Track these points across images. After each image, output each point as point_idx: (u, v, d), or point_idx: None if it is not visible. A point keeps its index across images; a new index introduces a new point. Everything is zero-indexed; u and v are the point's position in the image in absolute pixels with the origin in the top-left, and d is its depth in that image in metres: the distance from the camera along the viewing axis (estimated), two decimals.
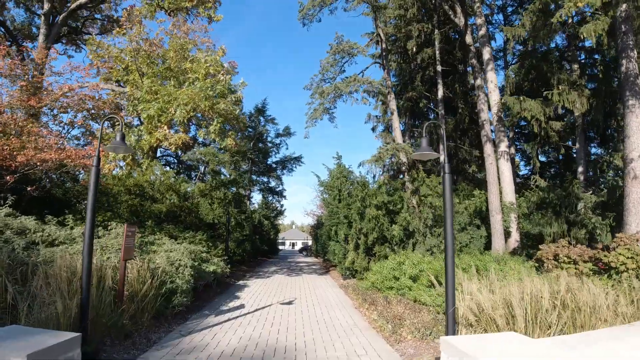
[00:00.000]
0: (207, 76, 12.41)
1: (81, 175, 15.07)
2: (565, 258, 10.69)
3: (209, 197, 19.64)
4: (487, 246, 14.82)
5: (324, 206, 19.05)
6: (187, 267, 8.85)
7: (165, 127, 11.31)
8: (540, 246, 12.29)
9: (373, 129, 30.64)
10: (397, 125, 17.57)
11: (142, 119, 11.72)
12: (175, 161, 38.20)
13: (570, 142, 21.10)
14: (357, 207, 12.88)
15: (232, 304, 9.82)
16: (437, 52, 21.85)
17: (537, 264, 11.47)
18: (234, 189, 20.37)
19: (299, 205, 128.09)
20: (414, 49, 23.54)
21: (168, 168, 35.10)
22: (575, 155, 19.15)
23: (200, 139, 12.04)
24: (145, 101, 11.52)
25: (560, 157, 21.40)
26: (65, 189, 13.64)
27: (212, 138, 11.50)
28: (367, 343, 6.49)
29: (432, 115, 26.96)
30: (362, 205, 13.04)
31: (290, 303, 10.17)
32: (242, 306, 9.58)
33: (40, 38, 18.85)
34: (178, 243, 11.42)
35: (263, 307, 9.47)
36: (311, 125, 15.94)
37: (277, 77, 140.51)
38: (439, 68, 22.07)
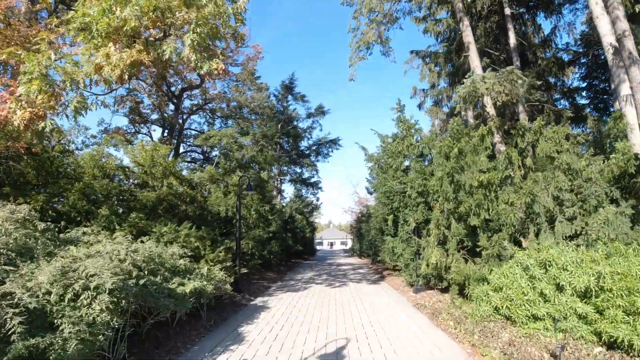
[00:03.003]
0: None
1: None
2: None
3: (222, 184, 14.99)
4: None
5: (377, 186, 13.81)
6: (104, 292, 3.90)
7: (111, 45, 6.53)
8: None
9: (420, 106, 24.84)
10: (477, 64, 12.01)
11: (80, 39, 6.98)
12: (202, 157, 34.14)
13: None
14: (452, 169, 7.45)
15: None
16: None
17: None
18: (257, 167, 15.56)
19: (336, 204, 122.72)
20: None
21: (188, 164, 31.03)
22: None
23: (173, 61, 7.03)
24: (83, 5, 6.86)
25: None
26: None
27: (185, 54, 6.50)
28: None
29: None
30: (458, 166, 7.62)
31: (339, 357, 4.98)
32: None
33: None
34: (141, 242, 6.61)
35: None
36: (357, 59, 10.73)
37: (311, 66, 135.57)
38: (507, 11, 16.15)
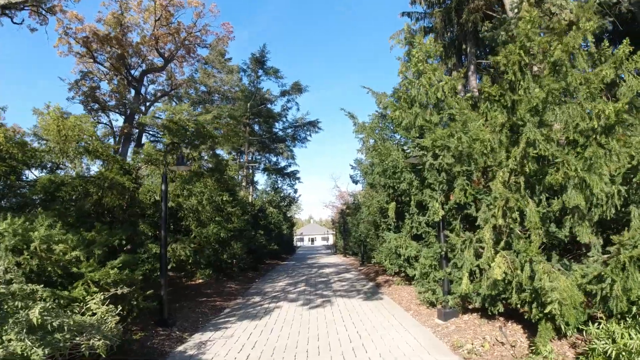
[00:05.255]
0: None
1: None
2: None
3: (162, 166, 11.20)
4: None
5: (367, 170, 10.47)
6: None
7: None
8: None
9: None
10: None
11: None
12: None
13: None
14: (549, 93, 3.90)
15: None
16: None
17: None
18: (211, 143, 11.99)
19: (316, 199, 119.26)
20: None
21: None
22: None
23: None
24: None
25: None
26: None
27: None
28: None
29: None
30: (559, 88, 4.06)
31: None
32: None
33: None
34: None
35: None
36: None
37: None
38: None
